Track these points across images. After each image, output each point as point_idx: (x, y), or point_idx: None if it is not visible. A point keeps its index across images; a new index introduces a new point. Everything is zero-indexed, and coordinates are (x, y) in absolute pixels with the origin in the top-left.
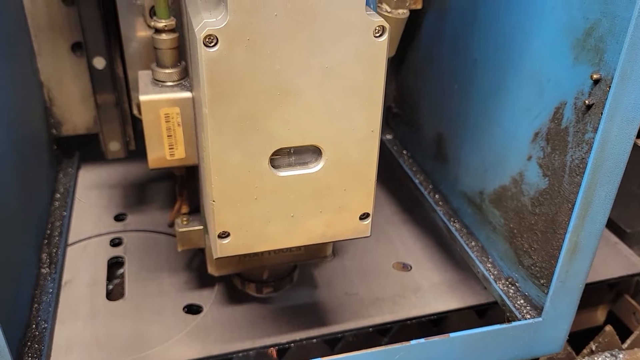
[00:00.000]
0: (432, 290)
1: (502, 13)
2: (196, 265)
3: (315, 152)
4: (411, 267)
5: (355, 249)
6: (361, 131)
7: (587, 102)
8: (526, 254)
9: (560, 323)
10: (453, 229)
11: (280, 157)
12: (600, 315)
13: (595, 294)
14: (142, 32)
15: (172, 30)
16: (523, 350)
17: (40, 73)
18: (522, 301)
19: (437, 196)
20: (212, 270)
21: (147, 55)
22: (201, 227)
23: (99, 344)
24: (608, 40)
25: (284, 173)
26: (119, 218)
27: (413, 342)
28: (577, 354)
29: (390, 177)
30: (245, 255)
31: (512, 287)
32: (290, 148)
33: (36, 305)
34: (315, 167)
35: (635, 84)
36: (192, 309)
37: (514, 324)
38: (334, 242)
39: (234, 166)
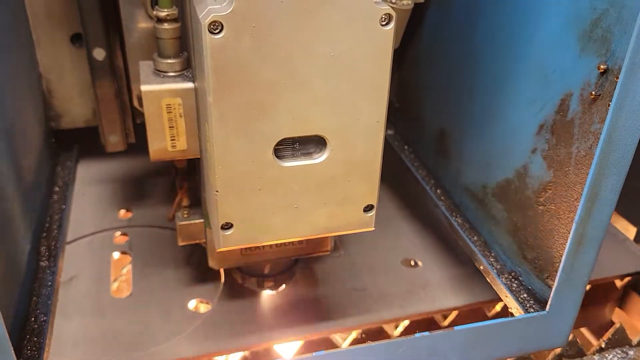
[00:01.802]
0: (439, 287)
1: (507, 5)
2: (200, 261)
3: (319, 142)
4: (417, 264)
5: (359, 245)
6: (366, 121)
7: (593, 93)
8: (530, 248)
9: (564, 317)
10: (455, 224)
11: (284, 147)
12: (609, 312)
13: (603, 291)
14: (143, 24)
15: (174, 20)
16: (527, 344)
17: (39, 65)
18: (525, 295)
19: (438, 191)
20: (213, 264)
21: (147, 47)
22: (202, 220)
23: (105, 340)
24: (615, 30)
25: (288, 163)
26: (121, 213)
27: (417, 335)
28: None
29: (391, 172)
30: (246, 249)
31: (516, 281)
32: (294, 138)
33: (35, 298)
34: (320, 158)
35: None
36: (199, 305)
37: (518, 317)
38: (337, 237)
39: (237, 156)
